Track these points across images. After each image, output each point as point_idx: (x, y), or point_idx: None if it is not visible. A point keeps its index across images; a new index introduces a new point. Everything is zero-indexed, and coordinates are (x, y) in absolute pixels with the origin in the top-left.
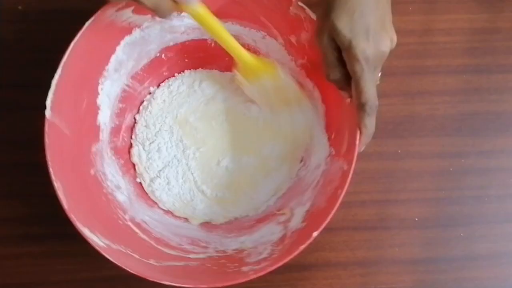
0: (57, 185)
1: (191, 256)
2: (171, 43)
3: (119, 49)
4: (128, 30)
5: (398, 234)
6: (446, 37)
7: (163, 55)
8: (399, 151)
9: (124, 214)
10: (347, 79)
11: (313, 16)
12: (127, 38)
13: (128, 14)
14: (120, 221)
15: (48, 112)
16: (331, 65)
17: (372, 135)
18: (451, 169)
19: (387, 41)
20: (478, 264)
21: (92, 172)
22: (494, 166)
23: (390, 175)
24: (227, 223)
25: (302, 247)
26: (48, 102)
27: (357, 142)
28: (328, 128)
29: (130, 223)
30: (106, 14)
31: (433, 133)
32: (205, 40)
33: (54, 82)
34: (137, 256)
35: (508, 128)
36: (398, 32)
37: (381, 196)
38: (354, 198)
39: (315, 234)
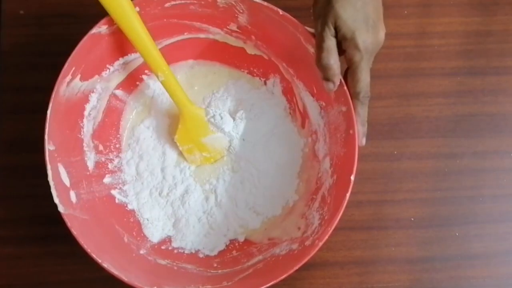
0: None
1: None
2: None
3: (85, 118)
4: (85, 99)
5: (395, 233)
6: (441, 40)
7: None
8: (395, 152)
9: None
10: (338, 69)
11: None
12: (87, 106)
13: (78, 84)
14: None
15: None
16: (329, 50)
17: (365, 124)
18: (446, 169)
19: (382, 32)
20: (473, 263)
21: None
22: (488, 166)
23: (386, 176)
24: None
25: (347, 194)
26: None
27: (345, 87)
28: (308, 86)
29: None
30: (60, 94)
31: (428, 134)
32: None
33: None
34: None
35: (502, 129)
36: (393, 35)
37: (378, 197)
38: (351, 198)
39: (352, 177)
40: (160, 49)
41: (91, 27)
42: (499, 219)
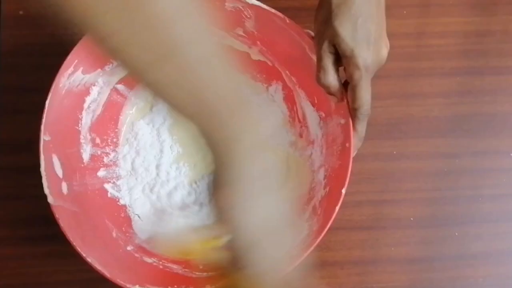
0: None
1: None
2: None
3: (84, 111)
4: (86, 91)
5: (394, 233)
6: (440, 40)
7: None
8: (395, 152)
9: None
10: (339, 85)
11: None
12: (88, 98)
13: (79, 77)
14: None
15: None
16: (325, 70)
17: (362, 140)
18: (445, 169)
19: (385, 48)
20: (473, 263)
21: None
22: (487, 166)
23: (386, 176)
24: None
25: (337, 207)
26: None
27: (345, 100)
28: (309, 96)
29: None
30: (60, 85)
31: (428, 134)
32: None
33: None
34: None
35: (501, 129)
36: (393, 35)
37: (377, 196)
38: (350, 198)
39: (343, 191)
40: None
41: None
42: (498, 219)
